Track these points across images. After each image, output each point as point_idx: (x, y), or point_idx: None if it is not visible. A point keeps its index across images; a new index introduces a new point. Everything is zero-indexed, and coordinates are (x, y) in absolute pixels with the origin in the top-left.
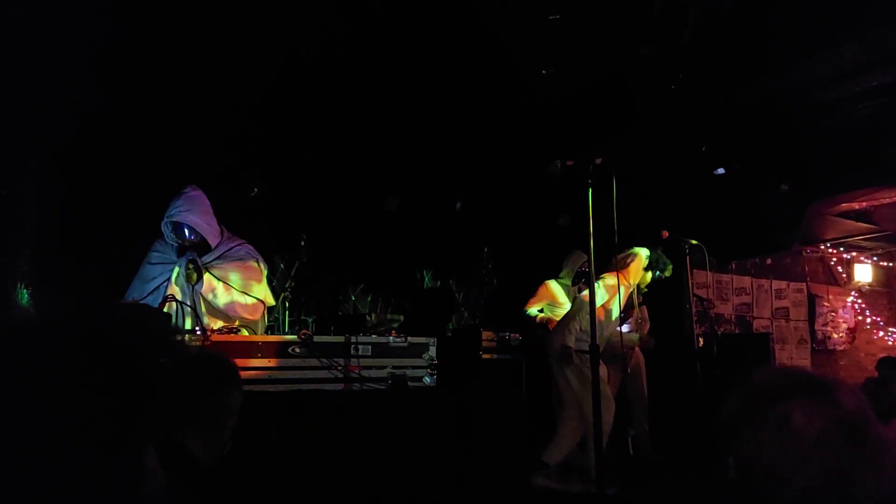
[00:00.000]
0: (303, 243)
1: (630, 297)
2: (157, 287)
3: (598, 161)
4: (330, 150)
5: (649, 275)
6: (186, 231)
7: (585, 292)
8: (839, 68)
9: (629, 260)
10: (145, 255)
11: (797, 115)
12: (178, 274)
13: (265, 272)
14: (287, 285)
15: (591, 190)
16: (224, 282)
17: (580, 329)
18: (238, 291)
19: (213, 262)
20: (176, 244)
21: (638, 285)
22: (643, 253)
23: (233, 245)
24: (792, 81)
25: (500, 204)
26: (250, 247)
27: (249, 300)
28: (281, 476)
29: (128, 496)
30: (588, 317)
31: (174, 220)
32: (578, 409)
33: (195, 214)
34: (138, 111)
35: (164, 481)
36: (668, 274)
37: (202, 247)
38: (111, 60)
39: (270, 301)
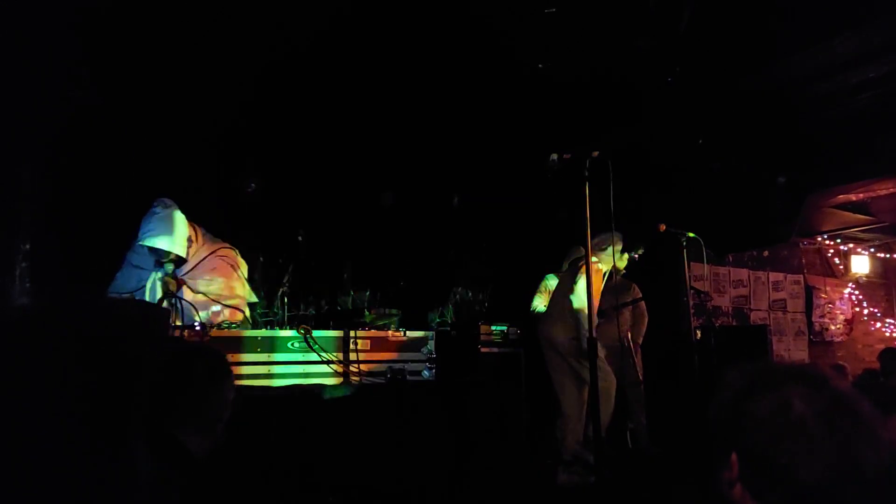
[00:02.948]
0: (300, 238)
1: (608, 280)
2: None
3: (595, 154)
4: (326, 144)
5: (626, 256)
6: (160, 251)
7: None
8: (835, 60)
9: (605, 245)
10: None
11: (794, 107)
12: (154, 283)
13: (243, 272)
14: (285, 280)
15: (587, 183)
16: (200, 292)
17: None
18: (213, 300)
19: (188, 275)
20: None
21: (616, 268)
22: (618, 235)
23: (204, 256)
24: (788, 73)
25: (498, 199)
26: (223, 252)
27: (226, 310)
28: (279, 471)
29: (116, 485)
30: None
31: (145, 244)
32: (577, 398)
33: (165, 236)
34: (133, 107)
35: (156, 473)
36: (640, 252)
37: (178, 259)
38: (105, 56)
39: (252, 298)
